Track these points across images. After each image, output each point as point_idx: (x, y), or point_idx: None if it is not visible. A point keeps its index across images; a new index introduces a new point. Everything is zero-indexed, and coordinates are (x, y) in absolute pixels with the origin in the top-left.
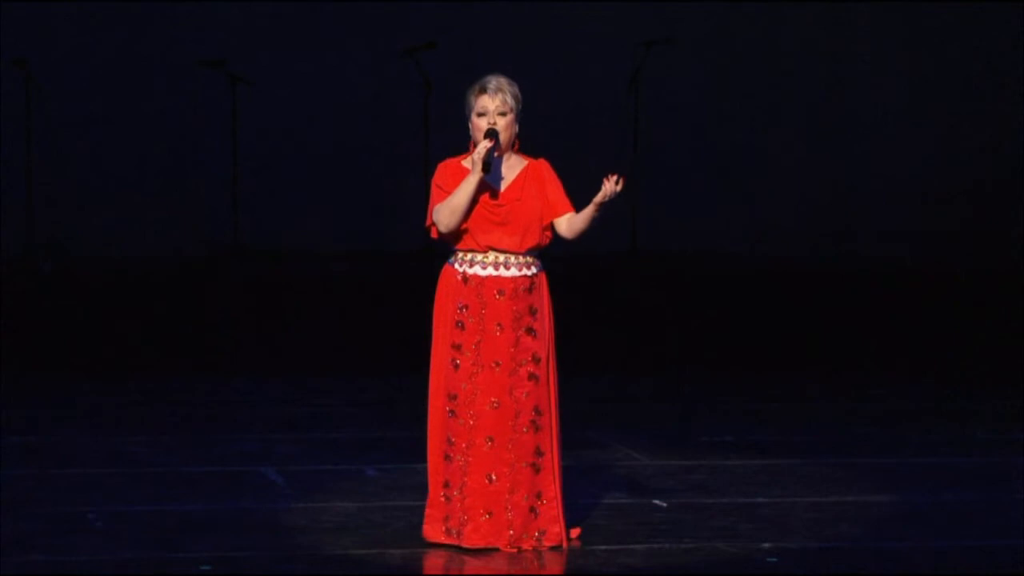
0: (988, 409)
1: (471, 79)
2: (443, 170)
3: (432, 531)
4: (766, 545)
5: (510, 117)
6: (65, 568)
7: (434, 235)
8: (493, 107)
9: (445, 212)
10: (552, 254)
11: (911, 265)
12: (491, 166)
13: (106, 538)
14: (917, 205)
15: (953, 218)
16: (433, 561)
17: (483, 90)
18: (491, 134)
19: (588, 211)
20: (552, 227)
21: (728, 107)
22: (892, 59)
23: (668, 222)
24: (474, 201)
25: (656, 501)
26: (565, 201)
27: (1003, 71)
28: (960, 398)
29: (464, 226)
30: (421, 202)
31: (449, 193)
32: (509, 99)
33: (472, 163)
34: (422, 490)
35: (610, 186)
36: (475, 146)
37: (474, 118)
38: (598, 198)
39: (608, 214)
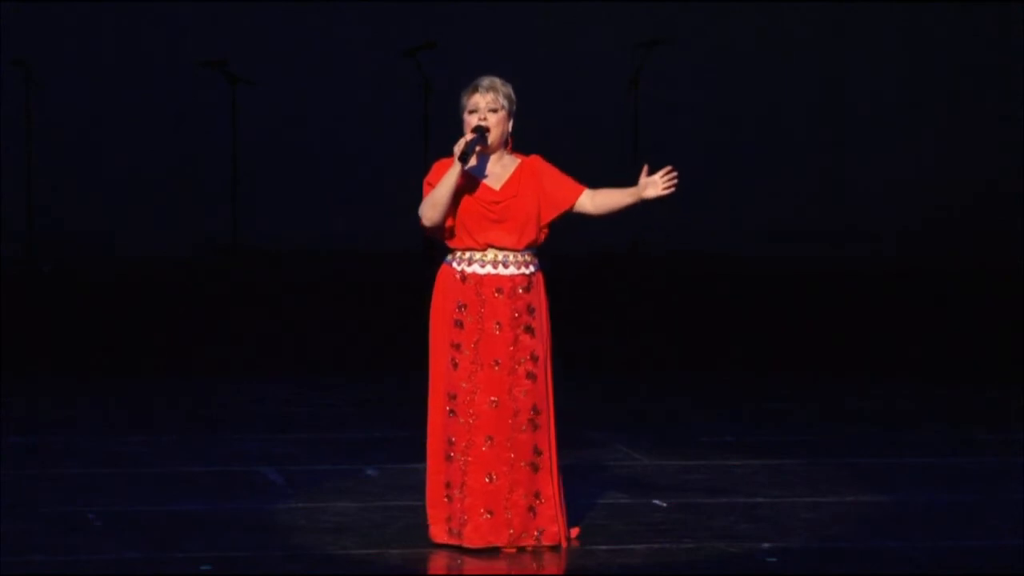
0: (988, 409)
1: (471, 79)
2: (436, 168)
3: (438, 532)
4: (766, 545)
5: (502, 114)
6: (65, 568)
7: (427, 233)
8: (484, 103)
9: (428, 205)
10: (553, 253)
11: (911, 265)
12: (470, 156)
13: (106, 538)
14: (917, 205)
15: (953, 218)
16: (433, 561)
17: (475, 89)
18: (478, 130)
19: (625, 199)
20: (550, 223)
21: (728, 107)
22: (892, 59)
23: (668, 222)
24: (460, 196)
25: (656, 501)
26: (573, 185)
27: (1003, 71)
28: (960, 398)
29: (462, 226)
30: (419, 203)
31: None
32: (500, 97)
33: (454, 155)
34: (422, 490)
35: (656, 188)
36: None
37: (466, 116)
38: (649, 194)
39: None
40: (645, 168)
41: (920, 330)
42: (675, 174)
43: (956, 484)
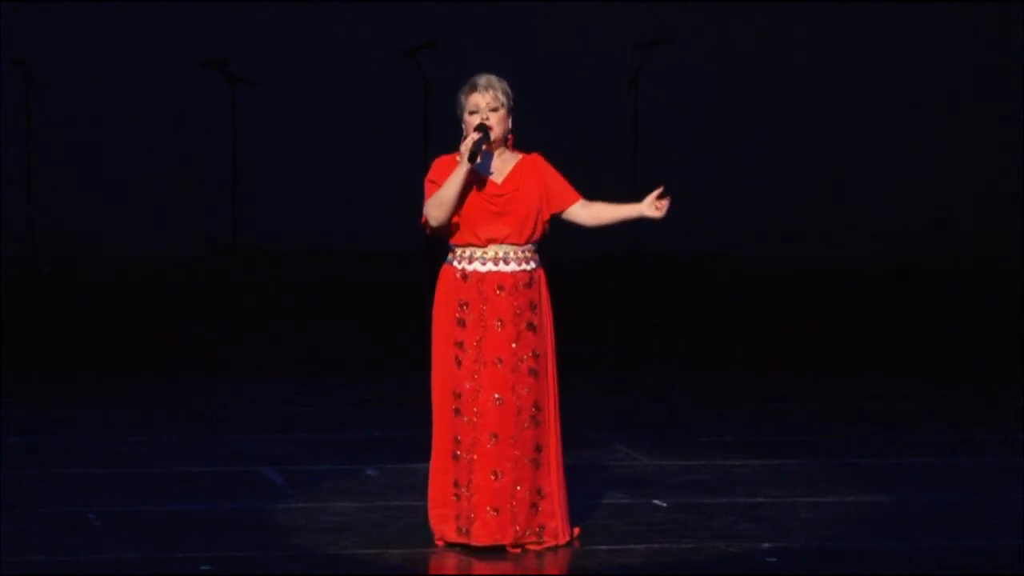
0: (988, 409)
1: (469, 79)
2: (437, 165)
3: (447, 530)
4: (766, 545)
5: (502, 112)
6: (65, 568)
7: (428, 232)
8: (484, 103)
9: (434, 204)
10: (554, 253)
11: (911, 265)
12: (477, 156)
13: (106, 538)
14: (917, 205)
15: (953, 218)
16: (434, 561)
17: (473, 88)
18: (481, 128)
19: (627, 213)
20: (549, 219)
21: (728, 107)
22: (892, 59)
23: (668, 222)
24: (464, 193)
25: (656, 501)
26: (571, 190)
27: (1003, 71)
28: (960, 398)
29: (464, 221)
30: (420, 202)
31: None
32: (500, 95)
33: (460, 155)
34: (422, 490)
35: (655, 210)
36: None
37: (466, 116)
38: (650, 213)
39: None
40: (661, 190)
41: (920, 330)
42: (666, 198)
43: (956, 484)
